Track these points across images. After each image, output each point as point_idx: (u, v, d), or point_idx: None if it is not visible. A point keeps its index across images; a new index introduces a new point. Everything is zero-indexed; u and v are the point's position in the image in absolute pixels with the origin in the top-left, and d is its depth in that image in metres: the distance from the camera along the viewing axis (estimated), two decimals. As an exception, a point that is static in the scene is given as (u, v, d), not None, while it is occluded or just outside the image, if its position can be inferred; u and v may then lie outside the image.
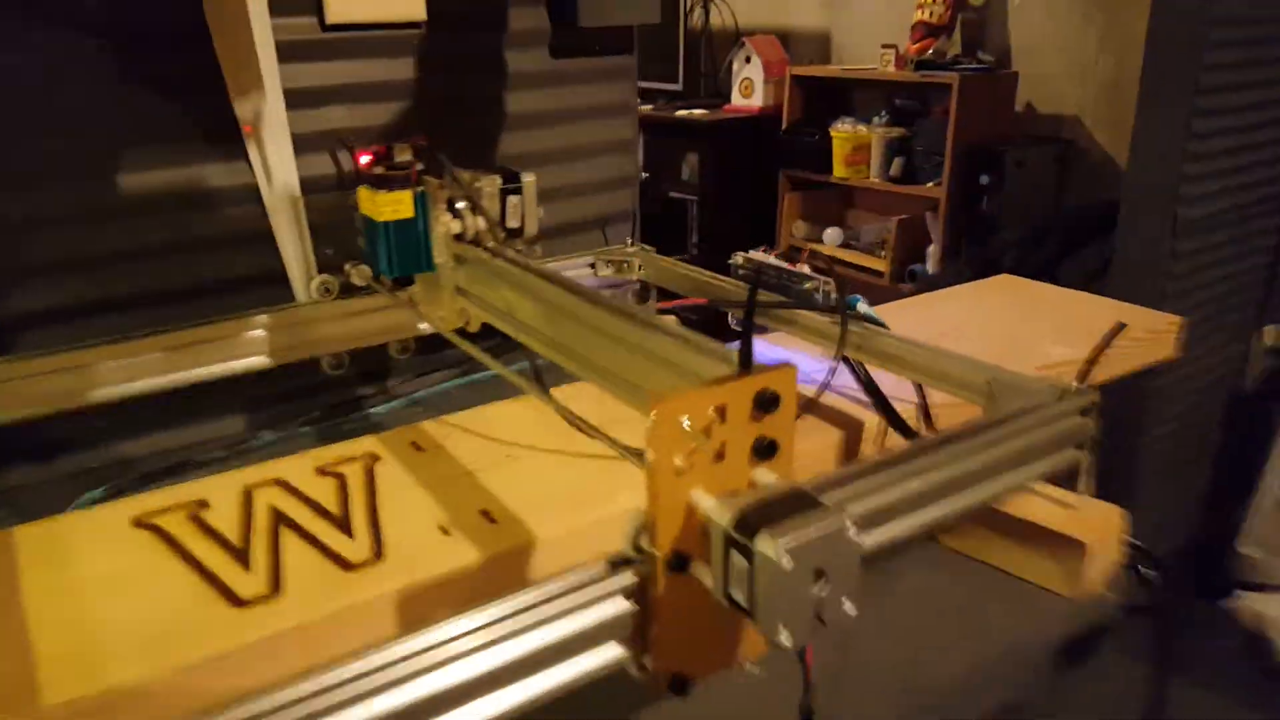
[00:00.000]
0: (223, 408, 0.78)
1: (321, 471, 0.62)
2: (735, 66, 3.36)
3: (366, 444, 0.66)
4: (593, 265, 0.88)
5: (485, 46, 0.88)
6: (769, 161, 3.26)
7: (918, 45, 2.81)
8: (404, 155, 0.58)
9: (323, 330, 0.74)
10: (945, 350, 0.62)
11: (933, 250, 2.82)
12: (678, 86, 3.49)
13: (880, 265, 3.01)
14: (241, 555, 0.53)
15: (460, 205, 0.60)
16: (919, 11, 2.81)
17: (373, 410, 0.84)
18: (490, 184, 0.62)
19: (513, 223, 0.63)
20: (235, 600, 0.49)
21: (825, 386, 0.62)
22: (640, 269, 0.88)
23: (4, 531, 0.54)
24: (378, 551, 0.54)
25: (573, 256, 0.88)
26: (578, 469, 0.60)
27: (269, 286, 0.76)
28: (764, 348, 0.74)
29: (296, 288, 0.77)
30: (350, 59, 0.79)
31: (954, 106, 2.62)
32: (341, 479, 0.62)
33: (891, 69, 2.86)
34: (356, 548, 0.54)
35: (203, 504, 0.58)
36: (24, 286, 0.70)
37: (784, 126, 3.22)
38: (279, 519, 0.57)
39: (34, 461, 0.72)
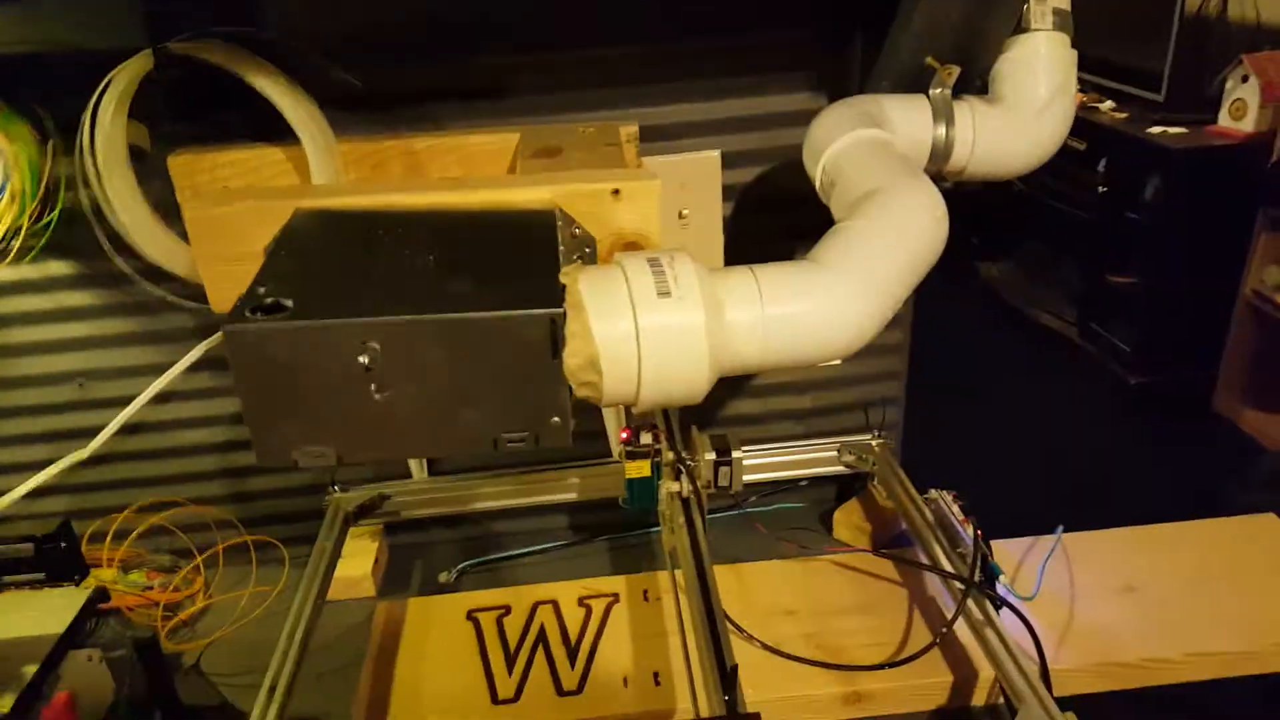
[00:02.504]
0: (552, 518, 1.13)
1: (580, 601, 0.93)
2: (1229, 84, 2.87)
3: (615, 584, 0.95)
4: (838, 451, 1.05)
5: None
6: (1245, 193, 2.77)
7: None
8: (646, 439, 0.83)
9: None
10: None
11: None
12: (1158, 96, 3.08)
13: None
14: (511, 660, 0.86)
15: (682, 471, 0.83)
16: None
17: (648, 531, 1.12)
18: (706, 461, 0.84)
19: (722, 483, 0.85)
20: (494, 698, 0.82)
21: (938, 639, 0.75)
22: (874, 465, 1.02)
23: (402, 601, 0.94)
24: (581, 685, 0.83)
25: (817, 442, 1.06)
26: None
27: (592, 440, 1.08)
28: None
29: (612, 446, 1.07)
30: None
31: None
32: (589, 611, 0.92)
33: None
34: (572, 676, 0.84)
35: (506, 610, 0.93)
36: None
37: (1274, 159, 2.69)
38: (541, 635, 0.89)
39: (421, 530, 1.15)
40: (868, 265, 0.61)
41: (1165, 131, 2.94)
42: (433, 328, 0.54)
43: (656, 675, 0.84)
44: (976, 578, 0.81)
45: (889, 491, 1.01)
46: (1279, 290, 2.82)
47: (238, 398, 0.55)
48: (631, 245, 0.76)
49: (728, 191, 0.98)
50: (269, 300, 0.55)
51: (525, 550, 1.06)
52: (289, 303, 0.55)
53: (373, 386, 0.55)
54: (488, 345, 0.55)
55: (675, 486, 0.84)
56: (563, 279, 0.58)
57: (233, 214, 0.69)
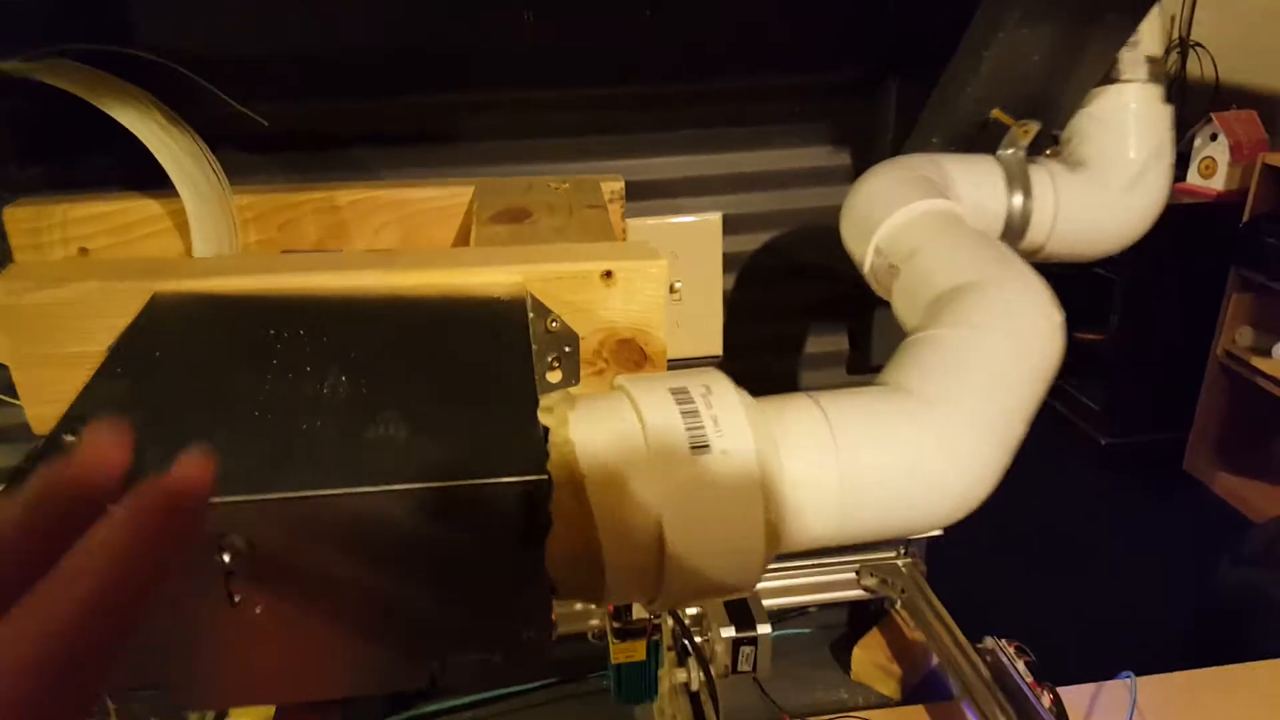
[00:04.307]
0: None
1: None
2: (1198, 142, 2.84)
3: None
4: (857, 573, 0.87)
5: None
6: (1216, 252, 2.73)
7: None
8: (640, 615, 0.63)
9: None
10: None
11: None
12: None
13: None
14: None
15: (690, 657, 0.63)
16: None
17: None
18: (722, 641, 0.63)
19: (744, 668, 0.65)
20: None
21: None
22: (902, 592, 0.84)
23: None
24: None
25: (833, 562, 0.87)
26: None
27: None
28: None
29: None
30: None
31: None
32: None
33: None
34: None
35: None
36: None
37: (1245, 219, 2.66)
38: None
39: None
40: (982, 394, 0.43)
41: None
42: (332, 508, 0.34)
43: None
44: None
45: (919, 623, 0.83)
46: (1251, 351, 2.78)
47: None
48: (626, 345, 0.57)
49: (728, 261, 0.80)
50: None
51: (471, 700, 0.84)
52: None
53: (237, 598, 0.34)
54: (424, 531, 0.35)
55: (681, 676, 0.63)
56: (544, 418, 0.39)
57: (63, 299, 0.48)
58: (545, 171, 0.71)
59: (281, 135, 0.67)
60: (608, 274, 0.53)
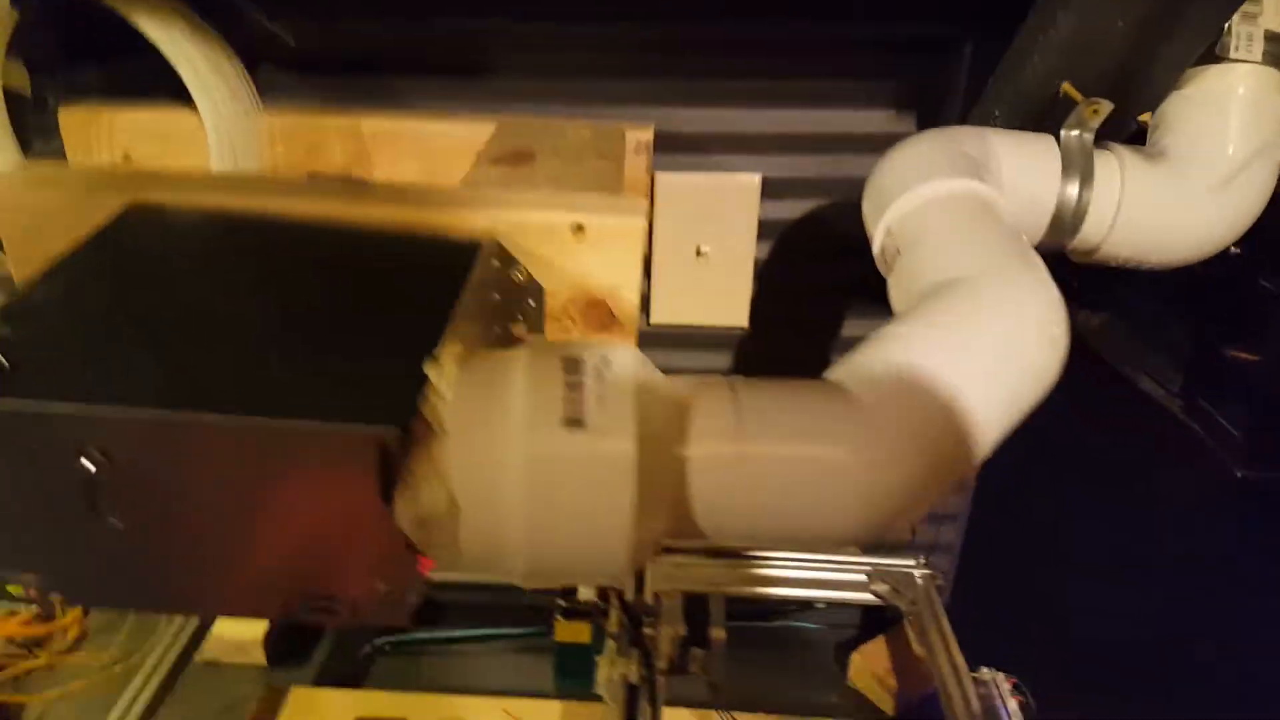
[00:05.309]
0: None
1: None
2: None
3: (550, 712, 0.74)
4: (868, 576, 0.81)
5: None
6: None
7: None
8: (587, 596, 0.60)
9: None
10: None
11: None
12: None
13: None
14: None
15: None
16: None
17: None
18: (668, 637, 0.58)
19: (692, 670, 0.60)
20: None
21: None
22: (912, 603, 0.78)
23: (283, 688, 0.75)
24: None
25: (842, 560, 0.82)
26: None
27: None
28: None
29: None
30: (669, 349, 0.80)
31: None
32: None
33: None
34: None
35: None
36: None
37: None
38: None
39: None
40: (924, 406, 0.38)
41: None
42: (183, 434, 0.34)
43: None
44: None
45: (924, 643, 0.77)
46: None
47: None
48: (596, 306, 0.54)
49: (765, 228, 0.75)
50: (-8, 350, 0.36)
51: (462, 634, 0.86)
52: (4, 361, 0.36)
53: (102, 506, 0.35)
54: (281, 470, 0.35)
55: (621, 668, 0.60)
56: (431, 371, 0.37)
57: (44, 203, 0.51)
58: (576, 114, 0.69)
59: (315, 57, 0.67)
60: (579, 228, 0.50)
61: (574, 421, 0.35)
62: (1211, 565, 0.92)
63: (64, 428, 0.35)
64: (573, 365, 0.37)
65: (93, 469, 0.35)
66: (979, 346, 0.41)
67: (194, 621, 0.73)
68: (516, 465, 0.35)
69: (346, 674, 0.82)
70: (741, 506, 0.38)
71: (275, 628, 0.81)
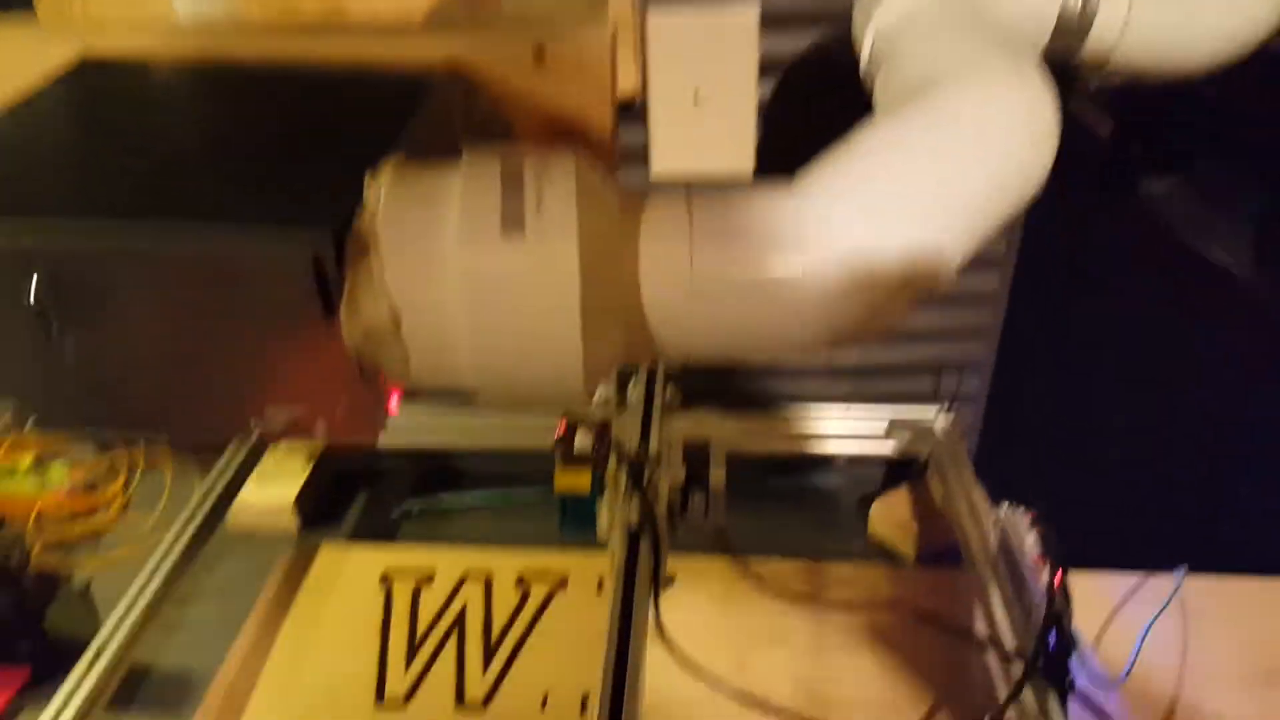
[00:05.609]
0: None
1: (519, 580, 0.75)
2: None
3: (568, 563, 0.76)
4: (885, 427, 0.80)
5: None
6: None
7: None
8: (584, 439, 0.59)
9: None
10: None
11: None
12: None
13: None
14: (413, 649, 0.70)
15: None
16: None
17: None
18: (669, 483, 0.58)
19: (693, 514, 0.59)
20: (380, 695, 0.66)
21: None
22: (932, 451, 0.77)
23: (314, 547, 0.78)
24: (489, 696, 0.66)
25: (860, 409, 0.81)
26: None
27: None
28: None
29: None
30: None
31: None
32: (525, 596, 0.74)
33: None
34: (480, 684, 0.67)
35: (429, 578, 0.76)
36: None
37: None
38: (459, 621, 0.72)
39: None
40: (875, 213, 0.36)
41: None
42: (125, 245, 0.34)
43: (585, 700, 0.65)
44: (1040, 661, 0.56)
45: (946, 490, 0.77)
46: None
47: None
48: (564, 140, 0.52)
49: (767, 66, 0.71)
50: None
51: (484, 492, 0.88)
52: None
53: (53, 330, 0.36)
54: (220, 279, 0.35)
55: (622, 514, 0.58)
56: (369, 187, 0.36)
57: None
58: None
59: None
60: (539, 53, 0.48)
61: (513, 226, 0.34)
62: (1261, 429, 0.88)
63: (9, 258, 0.35)
64: (513, 173, 0.36)
65: (33, 294, 0.35)
66: (948, 144, 0.38)
67: (221, 482, 0.76)
68: (454, 275, 0.34)
69: (376, 537, 0.85)
70: (698, 314, 0.37)
71: (307, 487, 0.84)
